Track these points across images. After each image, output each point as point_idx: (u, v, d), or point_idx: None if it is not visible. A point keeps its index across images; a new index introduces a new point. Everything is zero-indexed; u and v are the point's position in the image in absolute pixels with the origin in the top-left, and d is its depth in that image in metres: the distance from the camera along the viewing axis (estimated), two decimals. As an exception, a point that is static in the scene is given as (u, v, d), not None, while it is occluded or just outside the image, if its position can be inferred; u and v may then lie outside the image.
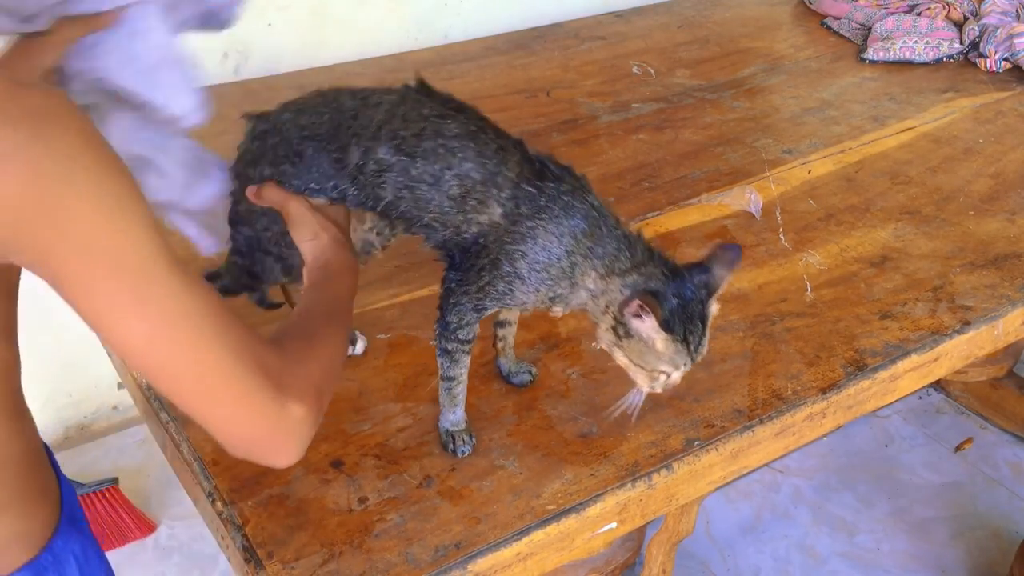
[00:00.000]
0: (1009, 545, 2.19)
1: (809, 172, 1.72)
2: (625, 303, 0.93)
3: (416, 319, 1.30)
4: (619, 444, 1.09)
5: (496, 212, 0.98)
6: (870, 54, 2.21)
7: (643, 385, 0.99)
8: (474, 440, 1.08)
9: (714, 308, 0.97)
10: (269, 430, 0.75)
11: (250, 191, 1.02)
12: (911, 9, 2.37)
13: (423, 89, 1.04)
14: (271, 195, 1.02)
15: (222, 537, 1.01)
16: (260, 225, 1.06)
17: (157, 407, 1.13)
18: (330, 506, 1.00)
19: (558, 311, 1.02)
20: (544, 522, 1.00)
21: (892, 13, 2.34)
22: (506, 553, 0.97)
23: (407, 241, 1.44)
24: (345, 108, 1.02)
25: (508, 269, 0.98)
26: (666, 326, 0.92)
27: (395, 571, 0.93)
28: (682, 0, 2.58)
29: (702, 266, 0.96)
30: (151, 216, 0.69)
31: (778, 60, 2.23)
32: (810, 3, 2.54)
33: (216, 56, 2.02)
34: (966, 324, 1.32)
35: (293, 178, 1.02)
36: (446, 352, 1.04)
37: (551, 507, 1.01)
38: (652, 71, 2.13)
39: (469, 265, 1.00)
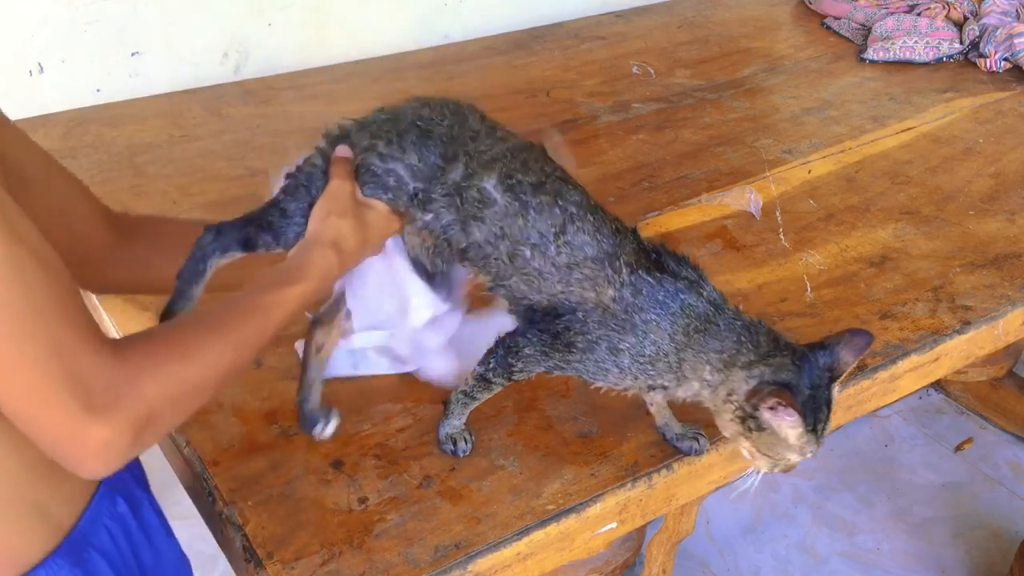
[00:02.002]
0: (1009, 545, 2.19)
1: (809, 172, 1.72)
2: (759, 397, 0.91)
3: (416, 319, 1.29)
4: (619, 444, 1.09)
5: (607, 294, 0.94)
6: (870, 54, 2.21)
7: (763, 468, 0.97)
8: (474, 438, 1.08)
9: (836, 391, 0.95)
10: (65, 444, 0.69)
11: (340, 150, 0.99)
12: (911, 9, 2.37)
13: (547, 155, 1.01)
14: (338, 160, 0.97)
15: (222, 537, 1.01)
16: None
17: (157, 407, 1.13)
18: (330, 506, 1.00)
19: (657, 398, 1.00)
20: (544, 522, 1.00)
21: (892, 13, 2.34)
22: (506, 553, 0.97)
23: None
24: (468, 125, 0.99)
25: (606, 356, 0.95)
26: (804, 418, 0.90)
27: (395, 571, 0.93)
28: (682, 0, 2.58)
29: (826, 348, 0.94)
30: None
31: (778, 60, 2.23)
32: (810, 3, 2.54)
33: (216, 56, 2.02)
34: (966, 324, 1.32)
35: (379, 158, 0.98)
36: (486, 381, 1.01)
37: (551, 507, 1.01)
38: (652, 71, 2.13)
39: (555, 333, 0.96)
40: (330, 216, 0.94)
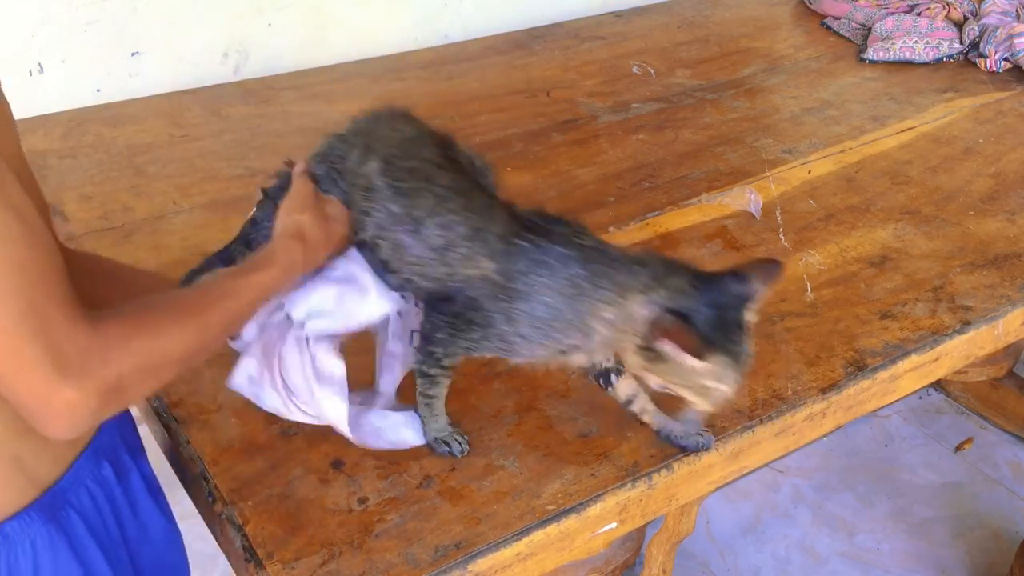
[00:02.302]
0: (1009, 545, 2.19)
1: (809, 172, 1.72)
2: (652, 326, 0.89)
3: (416, 319, 1.29)
4: (619, 444, 1.09)
5: (488, 266, 0.95)
6: (870, 54, 2.21)
7: (697, 404, 0.94)
8: (467, 437, 1.08)
9: (751, 317, 0.93)
10: (33, 403, 0.73)
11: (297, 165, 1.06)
12: (911, 9, 2.37)
13: (445, 142, 1.04)
14: (297, 171, 1.04)
15: (222, 537, 1.01)
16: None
17: (157, 407, 1.13)
18: (330, 506, 1.00)
19: (581, 361, 0.99)
20: (544, 522, 1.00)
21: (892, 13, 2.34)
22: (506, 553, 0.97)
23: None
24: (381, 119, 1.05)
25: (506, 328, 0.95)
26: (706, 341, 0.88)
27: (395, 571, 0.93)
28: (682, 0, 2.58)
29: (737, 275, 0.93)
30: None
31: (778, 60, 2.23)
32: (810, 3, 2.54)
33: (216, 56, 2.02)
34: (966, 324, 1.32)
35: (321, 161, 1.05)
36: (427, 376, 1.02)
37: (551, 507, 1.01)
38: (652, 71, 2.13)
39: (454, 314, 0.97)
40: (292, 212, 0.99)
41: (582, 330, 0.94)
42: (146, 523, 1.02)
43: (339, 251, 1.04)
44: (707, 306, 0.90)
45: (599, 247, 0.95)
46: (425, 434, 1.07)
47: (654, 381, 0.94)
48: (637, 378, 0.99)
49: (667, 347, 0.89)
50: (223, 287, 0.89)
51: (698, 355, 0.88)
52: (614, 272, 0.93)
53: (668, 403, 1.04)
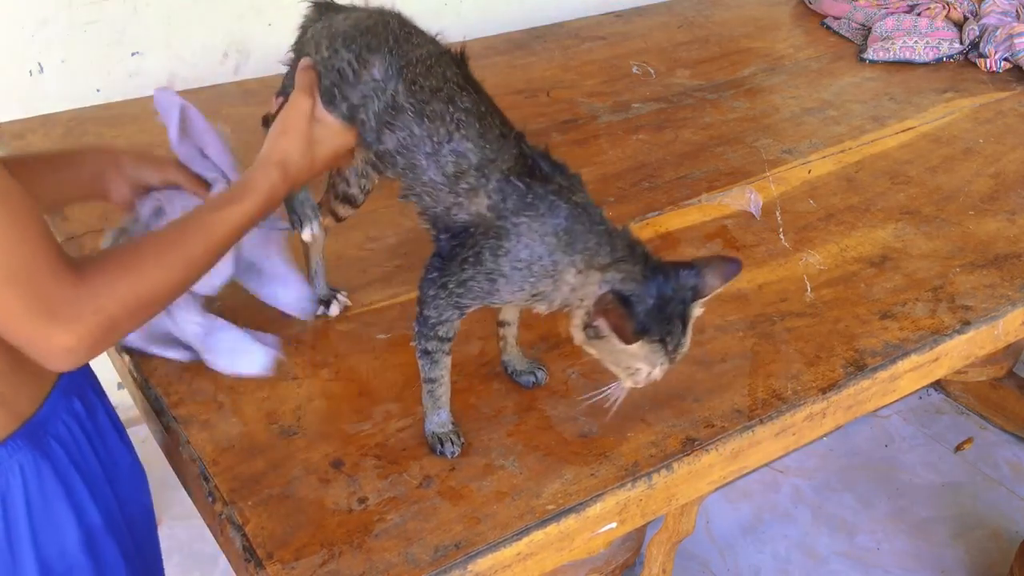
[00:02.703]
0: (1009, 545, 2.19)
1: (809, 172, 1.72)
2: (596, 308, 0.93)
3: (416, 319, 1.30)
4: (619, 444, 1.09)
5: (483, 203, 0.97)
6: (870, 54, 2.21)
7: (624, 381, 0.99)
8: (463, 440, 1.07)
9: (698, 311, 0.96)
10: (33, 348, 0.79)
11: (303, 62, 1.05)
12: (911, 9, 2.37)
13: (461, 60, 1.04)
14: (301, 71, 1.03)
15: (222, 537, 1.01)
16: None
17: (157, 407, 1.13)
18: (330, 506, 1.00)
19: (542, 309, 1.01)
20: (544, 522, 1.00)
21: (892, 13, 2.34)
22: (506, 553, 0.97)
23: (406, 242, 1.44)
24: (391, 27, 1.04)
25: (492, 266, 0.97)
26: (640, 327, 0.92)
27: (395, 571, 0.93)
28: (682, 0, 2.58)
29: (693, 268, 0.96)
30: None
31: (778, 60, 2.23)
32: (810, 3, 2.54)
33: (216, 56, 2.02)
34: (966, 324, 1.32)
35: (323, 66, 1.04)
36: (426, 353, 1.03)
37: (551, 507, 1.01)
38: (652, 71, 2.13)
39: (453, 255, 1.00)
40: (281, 136, 1.00)
41: (555, 280, 0.97)
42: (115, 457, 1.06)
43: (325, 172, 1.06)
44: (651, 295, 0.93)
45: (586, 207, 0.98)
46: (425, 426, 1.07)
47: (592, 353, 0.99)
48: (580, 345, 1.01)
49: (603, 326, 0.93)
50: (202, 220, 0.92)
51: (627, 340, 0.92)
52: (590, 238, 0.96)
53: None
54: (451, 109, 0.99)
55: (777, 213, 1.57)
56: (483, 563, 0.96)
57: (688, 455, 1.09)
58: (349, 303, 1.26)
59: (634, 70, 2.14)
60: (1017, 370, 2.52)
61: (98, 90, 1.88)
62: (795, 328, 1.30)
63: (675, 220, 1.55)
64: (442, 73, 1.01)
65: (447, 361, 1.04)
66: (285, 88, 1.11)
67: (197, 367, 1.17)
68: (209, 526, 1.06)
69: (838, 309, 1.34)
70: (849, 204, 1.61)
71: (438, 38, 1.08)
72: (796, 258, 1.45)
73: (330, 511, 1.00)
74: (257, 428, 1.10)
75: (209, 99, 1.91)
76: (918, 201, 1.63)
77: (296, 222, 1.15)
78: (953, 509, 2.33)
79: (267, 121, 1.08)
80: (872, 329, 1.30)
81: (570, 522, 1.01)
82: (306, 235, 1.16)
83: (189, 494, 1.10)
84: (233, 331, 1.12)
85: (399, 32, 1.04)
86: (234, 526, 0.98)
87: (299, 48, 1.14)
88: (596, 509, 1.02)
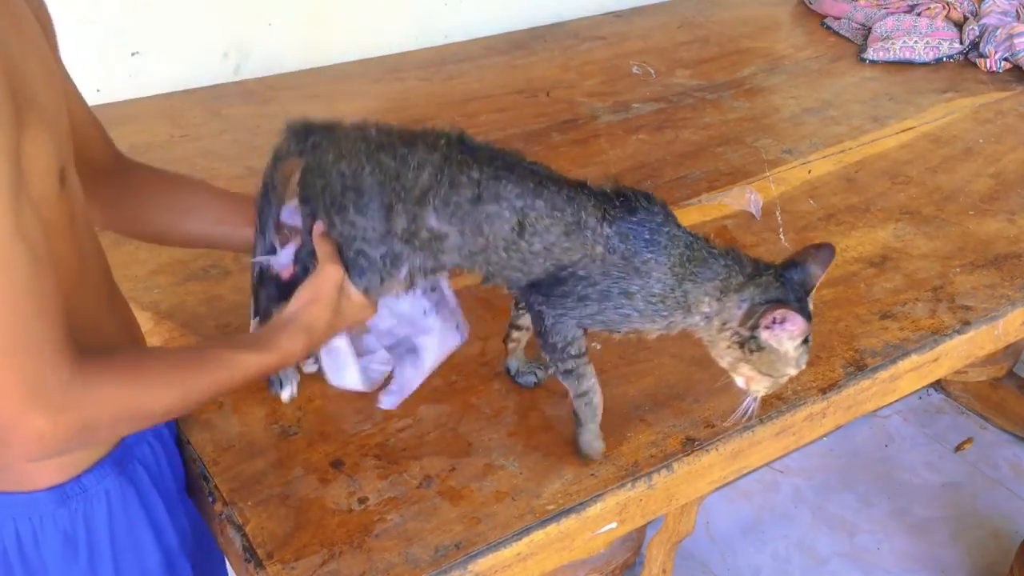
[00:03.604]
0: (1009, 545, 2.19)
1: (809, 172, 1.72)
2: (757, 317, 0.93)
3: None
4: (619, 444, 1.09)
5: (597, 251, 0.95)
6: (870, 54, 2.21)
7: (762, 391, 1.00)
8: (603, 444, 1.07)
9: (810, 304, 0.98)
10: (4, 425, 0.74)
11: (317, 228, 1.00)
12: (911, 9, 2.37)
13: (463, 144, 0.98)
14: (320, 241, 1.00)
15: (222, 537, 1.01)
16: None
17: (157, 407, 1.13)
18: (330, 506, 1.00)
19: (653, 335, 1.01)
20: (544, 522, 1.00)
21: (892, 13, 2.34)
22: (506, 553, 0.97)
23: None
24: (386, 168, 0.96)
25: (623, 301, 0.96)
26: (808, 318, 0.94)
27: (395, 571, 0.93)
28: (682, 0, 2.58)
29: (797, 265, 0.97)
30: (4, 184, 0.68)
31: (778, 60, 2.23)
32: (810, 3, 2.54)
33: (216, 56, 2.02)
34: (966, 324, 1.32)
35: (342, 228, 0.99)
36: (568, 373, 1.02)
37: (551, 507, 1.01)
38: (652, 71, 2.13)
39: (564, 293, 0.97)
40: (312, 304, 0.98)
41: (684, 310, 0.97)
42: (178, 471, 1.07)
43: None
44: (793, 298, 0.95)
45: (693, 234, 0.98)
46: (580, 437, 1.06)
47: (745, 371, 0.99)
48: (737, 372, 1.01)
49: (772, 336, 0.94)
50: (219, 356, 0.90)
51: (807, 333, 0.94)
52: (712, 267, 0.96)
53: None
54: (504, 204, 0.95)
55: (777, 213, 1.57)
56: (483, 563, 0.96)
57: (688, 455, 1.09)
58: (296, 394, 1.15)
59: (634, 70, 2.14)
60: (1017, 370, 2.53)
61: (98, 90, 1.88)
62: (795, 328, 1.30)
63: (675, 220, 1.55)
64: (468, 178, 0.95)
65: (592, 369, 1.03)
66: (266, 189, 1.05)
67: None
68: (209, 526, 1.06)
69: (838, 309, 1.34)
70: (849, 204, 1.61)
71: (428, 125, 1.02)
72: (796, 258, 1.45)
73: (330, 511, 1.00)
74: (257, 428, 1.10)
75: (209, 99, 1.92)
76: (918, 201, 1.63)
77: (276, 383, 1.12)
78: (953, 509, 2.33)
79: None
80: (872, 329, 1.30)
81: (570, 522, 1.01)
82: (285, 396, 1.13)
83: (189, 494, 1.10)
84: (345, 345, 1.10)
85: (399, 169, 0.96)
86: (234, 526, 0.98)
87: (271, 185, 1.04)
88: (596, 509, 1.02)
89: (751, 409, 1.03)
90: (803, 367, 0.99)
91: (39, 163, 0.75)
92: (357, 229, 0.98)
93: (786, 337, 0.94)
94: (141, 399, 0.82)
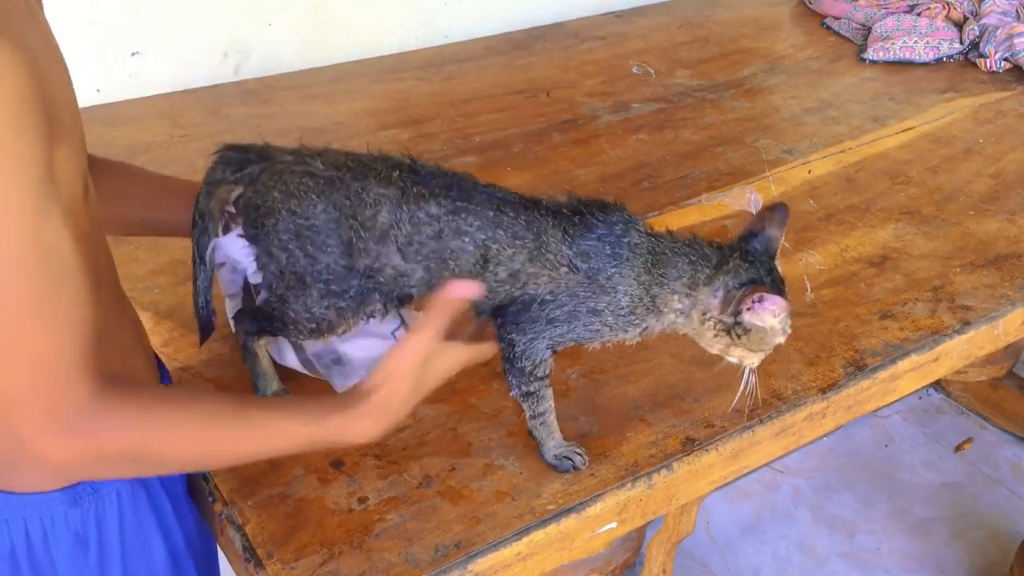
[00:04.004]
0: (1009, 545, 2.19)
1: (809, 172, 1.72)
2: (736, 303, 0.93)
3: (416, 319, 1.29)
4: (619, 444, 1.09)
5: (560, 271, 0.95)
6: (870, 54, 2.21)
7: (757, 362, 1.01)
8: (583, 448, 1.07)
9: (779, 267, 1.00)
10: (14, 438, 0.72)
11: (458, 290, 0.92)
12: (911, 9, 2.37)
13: (416, 173, 0.96)
14: (450, 306, 0.91)
15: (222, 537, 1.01)
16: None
17: (157, 407, 1.13)
18: (330, 506, 1.00)
19: (632, 340, 1.01)
20: (544, 522, 1.00)
21: (892, 13, 2.34)
22: (506, 553, 0.97)
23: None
24: (341, 206, 0.94)
25: (592, 319, 0.96)
26: (781, 294, 0.95)
27: (395, 571, 0.93)
28: (682, 0, 2.58)
29: (756, 234, 0.98)
30: (33, 201, 0.67)
31: (778, 60, 2.23)
32: (810, 3, 2.54)
33: (216, 56, 2.02)
34: (966, 324, 1.32)
35: (305, 264, 0.95)
36: (528, 395, 1.01)
37: (551, 507, 1.01)
38: (652, 71, 2.13)
39: (532, 317, 0.97)
40: (387, 382, 0.89)
41: (656, 314, 0.97)
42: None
43: None
44: (764, 272, 0.96)
45: (654, 235, 0.98)
46: (544, 455, 1.06)
47: (737, 353, 0.99)
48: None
49: (753, 316, 0.94)
50: (264, 422, 0.83)
51: (788, 307, 0.94)
52: (678, 261, 0.96)
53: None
54: (465, 239, 0.93)
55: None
56: (483, 563, 0.96)
57: (688, 455, 1.09)
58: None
59: (634, 70, 2.14)
60: (1017, 370, 2.53)
61: (98, 90, 1.88)
62: (795, 328, 1.29)
63: (675, 220, 1.55)
64: (427, 214, 0.93)
65: (550, 392, 1.03)
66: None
67: (197, 367, 1.17)
68: (209, 526, 1.06)
69: (838, 309, 1.34)
70: (849, 204, 1.61)
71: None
72: (796, 258, 1.45)
73: (330, 511, 1.00)
74: (257, 428, 1.10)
75: (209, 99, 1.92)
76: (918, 201, 1.63)
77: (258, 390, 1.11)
78: (953, 509, 2.33)
79: None
80: (872, 329, 1.30)
81: (570, 522, 1.01)
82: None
83: (189, 494, 1.10)
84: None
85: (355, 208, 0.94)
86: (234, 526, 0.98)
87: (207, 214, 1.02)
88: (596, 509, 1.02)
89: (750, 382, 1.03)
90: (789, 332, 1.00)
91: (67, 175, 0.74)
92: (320, 264, 0.96)
93: (769, 315, 0.95)
94: (159, 446, 0.78)
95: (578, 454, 1.05)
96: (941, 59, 2.20)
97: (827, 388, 1.19)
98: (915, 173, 1.72)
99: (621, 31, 2.37)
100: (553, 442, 1.05)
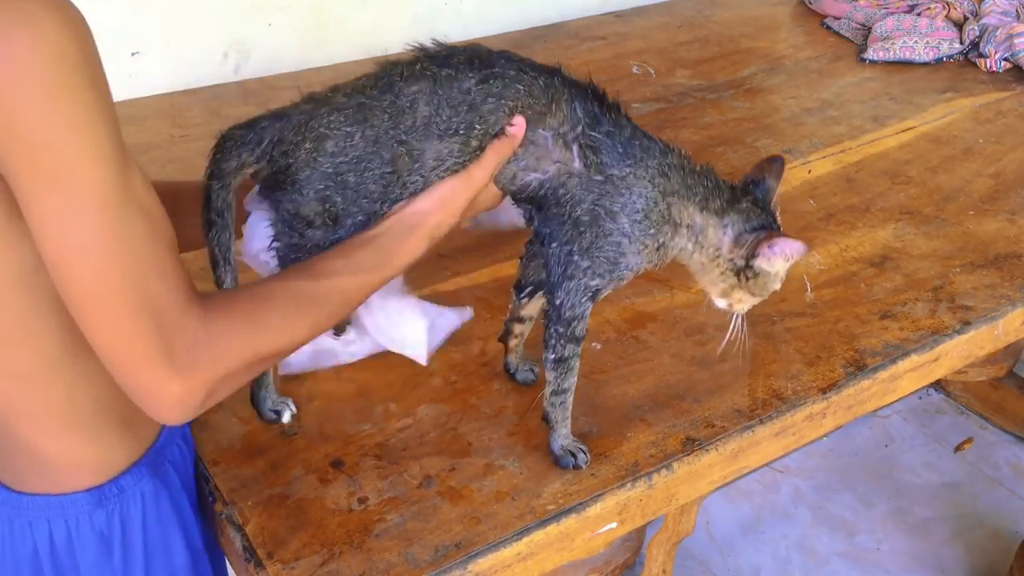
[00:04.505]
0: (1009, 545, 2.19)
1: (809, 172, 1.72)
2: (752, 247, 0.95)
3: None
4: (619, 444, 1.09)
5: (574, 166, 0.95)
6: (870, 54, 2.21)
7: (746, 308, 1.02)
8: (587, 449, 1.06)
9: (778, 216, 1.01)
10: (144, 394, 0.75)
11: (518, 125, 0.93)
12: (911, 9, 2.37)
13: (442, 52, 0.96)
14: (512, 139, 0.93)
15: (222, 537, 1.01)
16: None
17: (157, 407, 1.13)
18: (330, 506, 1.01)
19: (654, 266, 1.00)
20: (544, 522, 1.00)
21: (892, 13, 2.34)
22: (506, 553, 0.97)
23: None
24: (376, 124, 0.94)
25: (611, 226, 0.95)
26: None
27: (395, 571, 0.93)
28: (682, 0, 2.58)
29: (757, 183, 0.99)
30: (113, 149, 0.72)
31: (778, 60, 2.23)
32: (810, 3, 2.54)
33: (216, 56, 2.02)
34: (966, 324, 1.32)
35: (345, 205, 0.93)
36: (561, 361, 1.00)
37: (551, 507, 1.01)
38: (652, 71, 2.13)
39: (561, 221, 0.96)
40: (441, 208, 0.93)
41: (673, 225, 0.97)
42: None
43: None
44: (772, 218, 0.98)
45: (665, 143, 0.98)
46: (553, 443, 1.05)
47: (738, 296, 1.00)
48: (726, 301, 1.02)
49: (766, 261, 0.96)
50: (339, 284, 0.86)
51: (803, 249, 0.96)
52: (692, 182, 0.97)
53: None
54: (497, 104, 0.93)
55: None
56: (483, 563, 0.96)
57: (688, 455, 1.09)
58: (295, 410, 1.12)
59: (634, 70, 2.14)
60: (1017, 370, 2.53)
61: (98, 90, 1.88)
62: (795, 328, 1.30)
63: (675, 220, 1.55)
64: (459, 91, 0.93)
65: (577, 369, 1.02)
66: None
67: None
68: (209, 526, 1.06)
69: (838, 309, 1.34)
70: (849, 204, 1.61)
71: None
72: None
73: (330, 511, 1.00)
74: (257, 428, 1.10)
75: (209, 99, 1.92)
76: (918, 201, 1.63)
77: (271, 414, 1.10)
78: (953, 509, 2.33)
79: None
80: (872, 329, 1.30)
81: (570, 522, 1.01)
82: (286, 419, 1.10)
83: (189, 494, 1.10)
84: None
85: (395, 118, 0.94)
86: (234, 526, 0.98)
87: (225, 209, 0.95)
88: (596, 509, 1.02)
89: (741, 329, 1.04)
90: (783, 278, 1.01)
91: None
92: (369, 193, 0.93)
93: (780, 259, 0.96)
94: (268, 341, 0.81)
95: (582, 451, 1.05)
96: (941, 59, 2.20)
97: (827, 388, 1.19)
98: (915, 173, 1.72)
99: (621, 31, 2.37)
100: (565, 430, 1.05)
